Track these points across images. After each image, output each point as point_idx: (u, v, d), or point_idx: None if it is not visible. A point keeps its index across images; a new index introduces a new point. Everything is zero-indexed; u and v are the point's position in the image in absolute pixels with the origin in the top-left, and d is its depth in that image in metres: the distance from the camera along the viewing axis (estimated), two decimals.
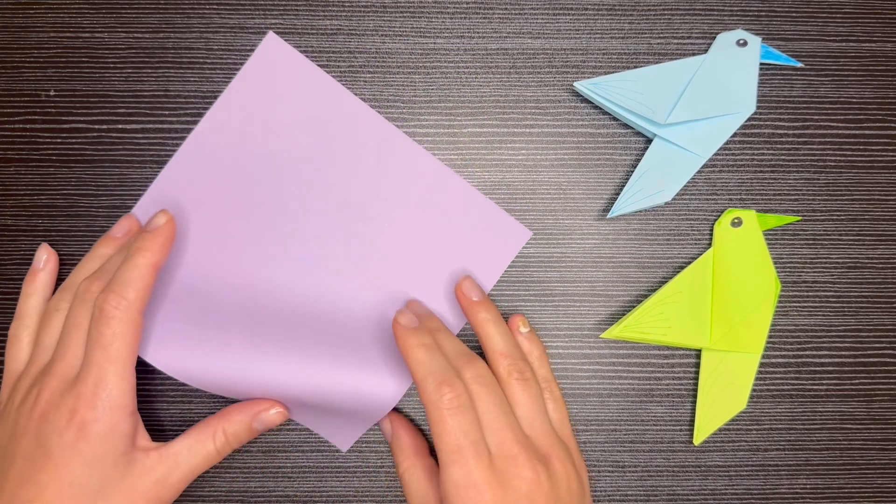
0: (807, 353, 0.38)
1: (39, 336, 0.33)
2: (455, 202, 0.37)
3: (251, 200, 0.36)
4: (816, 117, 0.39)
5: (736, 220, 0.37)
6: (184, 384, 0.37)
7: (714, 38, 0.38)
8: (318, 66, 0.38)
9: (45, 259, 0.36)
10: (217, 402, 0.37)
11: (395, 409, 0.34)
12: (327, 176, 0.36)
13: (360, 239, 0.36)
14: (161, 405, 0.37)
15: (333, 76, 0.38)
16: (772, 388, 0.38)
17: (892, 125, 0.39)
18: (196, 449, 0.32)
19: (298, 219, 0.36)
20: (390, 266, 0.36)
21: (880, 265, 0.39)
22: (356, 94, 0.38)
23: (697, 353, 0.38)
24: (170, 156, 0.37)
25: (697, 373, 0.38)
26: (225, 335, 0.34)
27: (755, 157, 0.38)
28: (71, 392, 0.30)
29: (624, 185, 0.37)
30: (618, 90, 0.37)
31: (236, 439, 0.33)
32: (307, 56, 0.38)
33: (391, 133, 0.37)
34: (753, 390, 0.38)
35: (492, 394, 0.31)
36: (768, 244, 0.38)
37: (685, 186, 0.38)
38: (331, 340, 0.35)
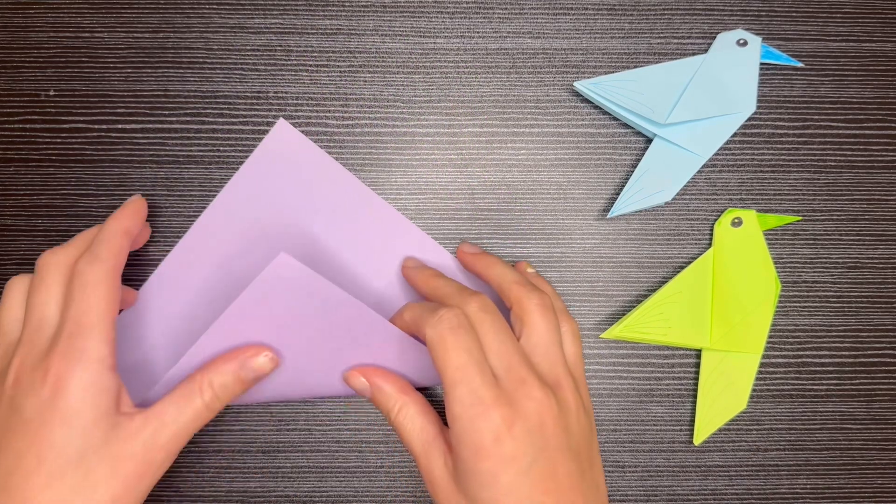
0: (807, 353, 0.38)
1: (2, 317, 0.31)
2: None
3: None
4: (817, 117, 0.39)
5: (736, 220, 0.37)
6: None
7: (714, 37, 0.38)
8: (318, 65, 0.38)
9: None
10: None
11: (362, 366, 0.33)
12: (334, 259, 0.36)
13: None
14: None
15: (333, 76, 0.38)
16: (772, 388, 0.38)
17: (893, 125, 0.39)
18: (183, 406, 0.30)
19: None
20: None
21: (880, 265, 0.39)
22: (356, 94, 0.38)
23: (697, 353, 0.38)
24: (170, 156, 0.37)
25: (697, 373, 0.38)
26: None
27: (755, 157, 0.38)
28: (45, 354, 0.28)
29: (624, 185, 0.37)
30: (618, 90, 0.37)
31: (225, 392, 0.31)
32: (307, 54, 0.38)
33: (399, 221, 0.37)
34: (753, 390, 0.38)
35: (496, 321, 0.30)
36: (768, 244, 0.38)
37: (685, 186, 0.38)
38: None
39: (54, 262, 0.30)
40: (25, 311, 0.30)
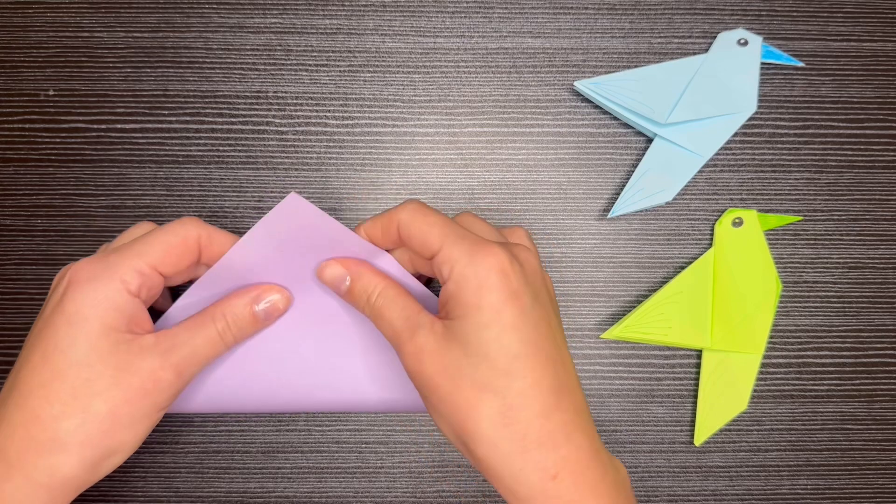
0: (808, 353, 0.38)
1: None
2: None
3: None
4: (817, 117, 0.39)
5: (737, 220, 0.37)
6: None
7: (715, 37, 0.38)
8: (318, 65, 0.38)
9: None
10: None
11: (341, 258, 0.30)
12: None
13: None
14: None
15: (333, 75, 0.38)
16: (773, 388, 0.38)
17: (894, 125, 0.39)
18: (195, 331, 0.29)
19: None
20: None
21: (881, 265, 0.38)
22: (356, 94, 0.38)
23: (698, 354, 0.38)
24: (170, 156, 0.37)
25: (698, 373, 0.38)
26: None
27: (756, 157, 0.38)
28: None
29: (624, 185, 0.37)
30: (618, 90, 0.37)
31: (238, 324, 0.30)
32: (307, 53, 0.38)
33: (410, 282, 0.33)
34: (754, 391, 0.38)
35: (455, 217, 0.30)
36: (769, 244, 0.38)
37: (686, 186, 0.38)
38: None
39: (180, 228, 0.29)
40: None
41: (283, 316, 0.32)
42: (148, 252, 0.28)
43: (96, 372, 0.26)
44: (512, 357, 0.26)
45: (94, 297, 0.27)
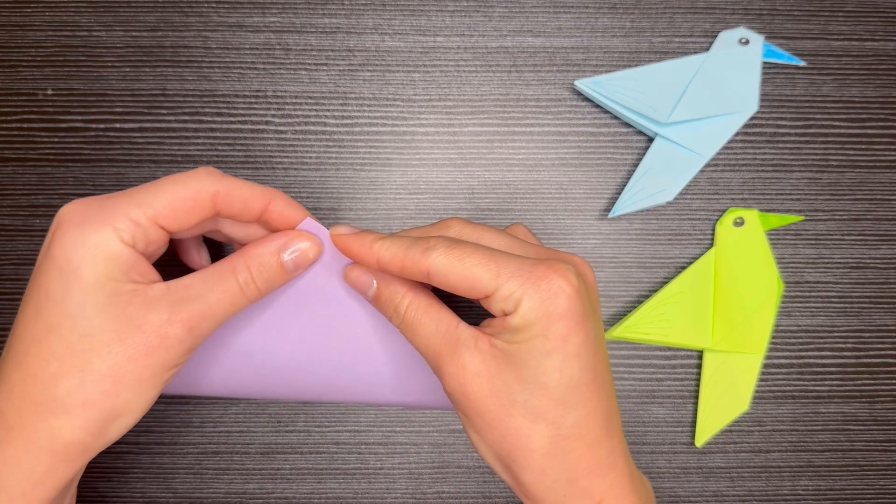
0: (809, 353, 0.38)
1: None
2: None
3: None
4: (819, 116, 0.38)
5: (738, 220, 0.37)
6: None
7: (716, 36, 0.38)
8: (317, 64, 0.38)
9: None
10: (217, 402, 0.37)
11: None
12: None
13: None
14: (159, 406, 0.37)
15: (332, 75, 0.38)
16: (774, 389, 0.38)
17: (895, 124, 0.39)
18: (213, 283, 0.26)
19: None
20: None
21: (883, 265, 0.38)
22: (355, 93, 0.38)
23: (699, 354, 0.38)
24: (168, 155, 0.37)
25: (699, 374, 0.37)
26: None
27: (757, 157, 0.38)
28: None
29: (625, 185, 0.37)
30: (619, 89, 0.37)
31: (263, 276, 0.27)
32: (306, 52, 0.38)
33: None
34: (756, 391, 0.38)
35: (482, 229, 0.28)
36: (771, 244, 0.38)
37: (687, 186, 0.38)
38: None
39: (197, 179, 0.26)
40: None
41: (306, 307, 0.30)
42: (150, 203, 0.25)
43: (95, 326, 0.23)
44: (572, 387, 0.24)
45: (83, 244, 0.24)
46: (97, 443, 0.25)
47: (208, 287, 0.25)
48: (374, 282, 0.27)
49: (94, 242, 0.24)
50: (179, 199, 0.25)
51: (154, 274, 0.26)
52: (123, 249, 0.24)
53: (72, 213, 0.24)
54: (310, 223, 0.28)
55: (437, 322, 0.26)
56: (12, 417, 0.24)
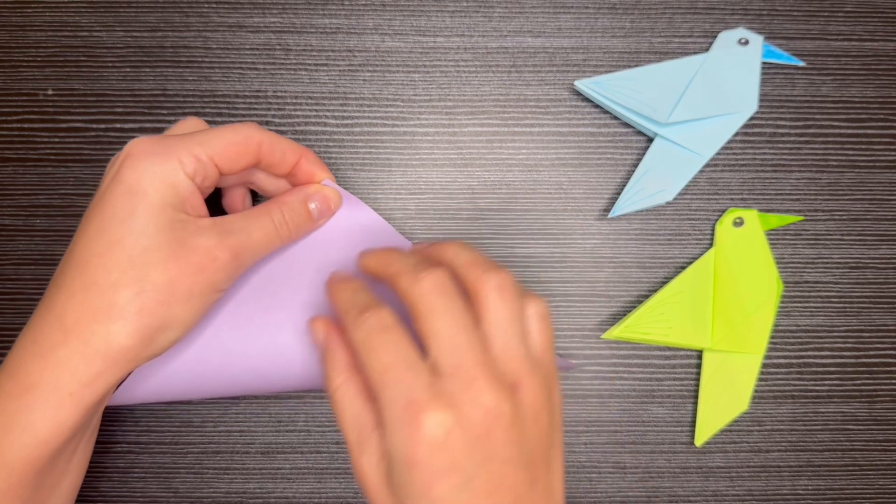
0: (809, 353, 0.38)
1: None
2: None
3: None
4: (818, 116, 0.38)
5: (737, 220, 0.37)
6: None
7: (715, 36, 0.38)
8: (317, 64, 0.38)
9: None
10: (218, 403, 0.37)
11: (331, 320, 0.30)
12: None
13: None
14: (160, 406, 0.37)
15: (332, 75, 0.38)
16: (773, 388, 0.38)
17: (895, 124, 0.39)
18: (253, 220, 0.29)
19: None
20: None
21: (882, 265, 0.38)
22: (355, 93, 0.38)
23: (699, 354, 0.38)
24: None
25: (699, 373, 0.37)
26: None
27: (757, 157, 0.38)
28: None
29: (625, 185, 0.37)
30: (619, 89, 0.37)
31: (293, 220, 0.30)
32: (306, 53, 0.38)
33: None
34: (755, 391, 0.38)
35: (450, 307, 0.25)
36: (770, 244, 0.38)
37: (686, 186, 0.38)
38: None
39: (244, 128, 0.30)
40: None
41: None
42: (208, 142, 0.28)
43: (155, 242, 0.26)
44: None
45: (152, 171, 0.26)
46: (144, 352, 0.27)
47: (248, 224, 0.29)
48: (324, 341, 0.29)
49: (163, 171, 0.26)
50: (234, 144, 0.28)
51: (204, 209, 0.29)
52: (185, 180, 0.27)
53: (141, 145, 0.27)
54: (330, 183, 0.32)
55: (358, 417, 0.27)
56: (70, 321, 0.25)
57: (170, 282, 0.26)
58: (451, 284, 0.26)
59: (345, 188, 0.38)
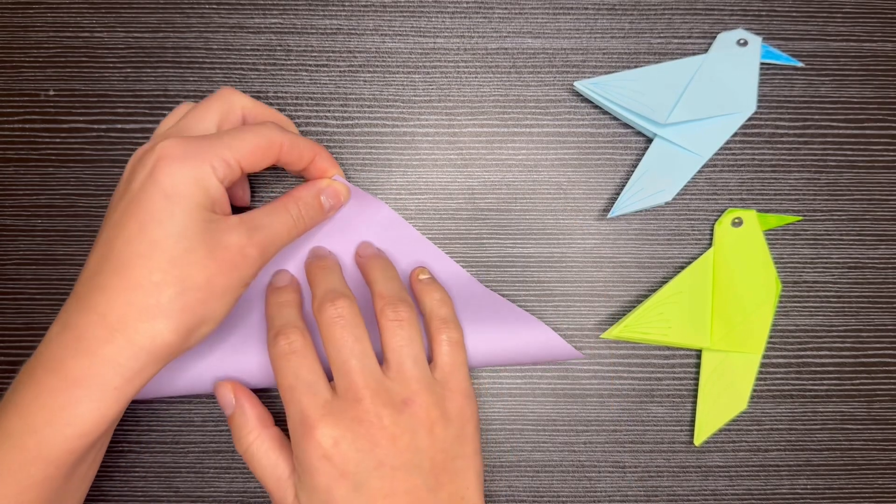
0: (807, 353, 0.38)
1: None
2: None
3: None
4: (817, 117, 0.39)
5: (736, 220, 0.37)
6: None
7: (714, 37, 0.38)
8: (318, 65, 0.38)
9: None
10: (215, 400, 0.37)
11: (237, 382, 0.33)
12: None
13: None
14: (162, 405, 0.37)
15: (333, 76, 0.38)
16: (772, 388, 0.38)
17: (893, 125, 0.39)
18: (272, 215, 0.31)
19: None
20: None
21: (881, 265, 0.38)
22: (356, 94, 0.38)
23: (698, 354, 0.38)
24: None
25: (698, 373, 0.38)
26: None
27: (756, 157, 0.38)
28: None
29: (624, 185, 0.37)
30: (618, 90, 0.37)
31: (308, 213, 0.32)
32: (307, 54, 0.38)
33: (445, 261, 0.37)
34: (754, 390, 0.38)
35: (343, 336, 0.30)
36: (769, 244, 0.38)
37: (686, 186, 0.38)
38: None
39: (228, 95, 0.32)
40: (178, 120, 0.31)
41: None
42: (237, 147, 0.29)
43: (193, 244, 0.27)
44: None
45: (188, 175, 0.27)
46: (182, 346, 0.28)
47: (271, 219, 0.30)
48: (233, 404, 0.32)
49: (197, 175, 0.28)
50: (259, 147, 0.30)
51: (229, 207, 0.30)
52: (216, 183, 0.28)
53: (174, 149, 0.28)
54: (339, 178, 0.34)
55: (274, 468, 0.31)
56: (114, 320, 0.26)
57: (208, 280, 0.27)
58: (350, 314, 0.30)
59: None
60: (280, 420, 0.32)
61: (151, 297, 0.27)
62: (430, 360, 0.32)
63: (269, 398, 0.37)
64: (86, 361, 0.26)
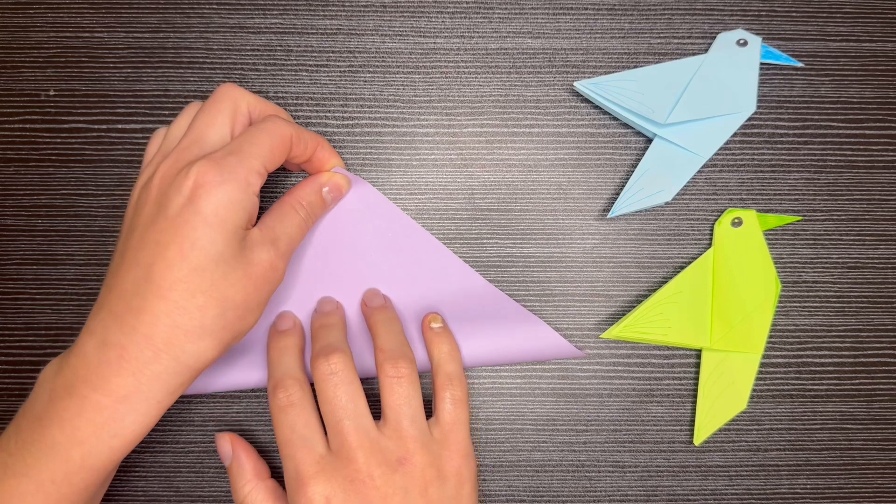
0: (807, 353, 0.38)
1: (170, 127, 0.33)
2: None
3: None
4: (817, 117, 0.39)
5: (736, 220, 0.37)
6: None
7: (714, 37, 0.38)
8: (318, 65, 0.38)
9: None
10: (221, 399, 0.37)
11: (235, 433, 0.34)
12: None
13: None
14: None
15: (333, 76, 0.38)
16: (772, 388, 0.38)
17: (893, 125, 0.39)
18: (286, 221, 0.31)
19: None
20: None
21: (881, 265, 0.39)
22: (356, 94, 0.38)
23: (698, 354, 0.38)
24: None
25: (698, 373, 0.38)
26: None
27: (755, 157, 0.38)
28: (198, 158, 0.29)
29: (624, 185, 0.37)
30: (618, 90, 0.37)
31: (313, 209, 0.33)
32: (307, 54, 0.38)
33: (448, 257, 0.36)
34: (754, 390, 0.38)
35: (339, 393, 0.30)
36: (769, 244, 0.38)
37: (685, 186, 0.38)
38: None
39: (232, 93, 0.31)
40: (189, 126, 0.31)
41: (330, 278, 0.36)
42: (261, 154, 0.29)
43: (231, 266, 0.28)
44: None
45: (228, 199, 0.28)
46: (217, 359, 0.30)
47: (284, 225, 0.31)
48: (231, 455, 0.33)
49: (237, 198, 0.28)
50: (276, 146, 0.30)
51: (256, 218, 0.31)
52: (253, 198, 0.29)
53: (211, 175, 0.28)
54: (340, 170, 0.35)
55: None
56: (160, 341, 0.27)
57: (245, 298, 0.29)
58: (344, 370, 0.31)
59: None
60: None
61: (195, 319, 0.28)
62: (432, 414, 0.32)
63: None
64: (131, 379, 0.27)
